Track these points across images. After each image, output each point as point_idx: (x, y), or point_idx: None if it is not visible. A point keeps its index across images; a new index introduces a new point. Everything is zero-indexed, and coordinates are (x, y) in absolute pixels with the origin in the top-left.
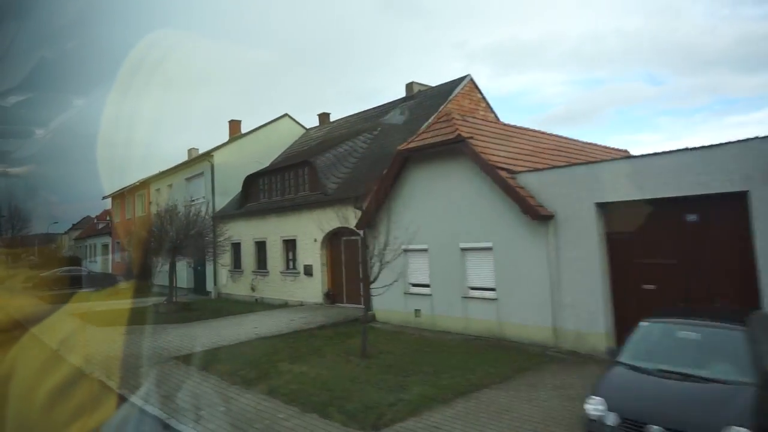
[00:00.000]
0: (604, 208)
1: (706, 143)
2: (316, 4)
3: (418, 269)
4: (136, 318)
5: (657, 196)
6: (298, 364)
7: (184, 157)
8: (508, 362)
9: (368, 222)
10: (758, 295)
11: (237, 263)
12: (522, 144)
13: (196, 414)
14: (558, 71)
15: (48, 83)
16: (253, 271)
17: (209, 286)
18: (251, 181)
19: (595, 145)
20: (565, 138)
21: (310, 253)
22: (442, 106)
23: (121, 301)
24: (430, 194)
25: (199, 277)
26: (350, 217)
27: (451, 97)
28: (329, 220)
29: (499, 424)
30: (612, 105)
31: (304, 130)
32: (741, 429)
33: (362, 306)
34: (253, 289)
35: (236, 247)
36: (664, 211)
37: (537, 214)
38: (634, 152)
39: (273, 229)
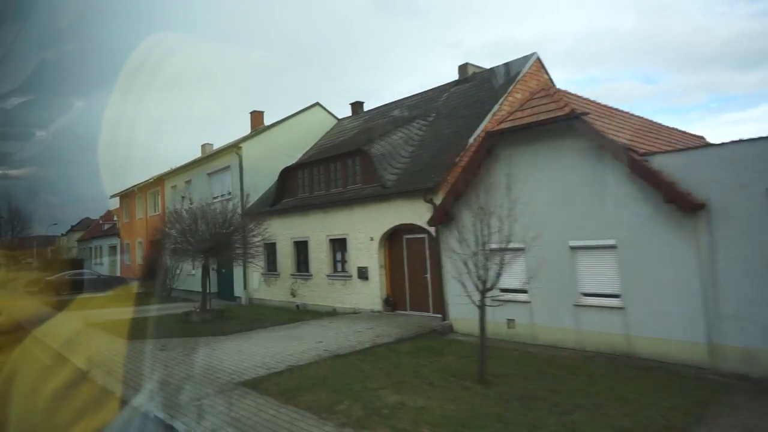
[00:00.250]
0: None
1: None
2: (313, 6)
3: (510, 272)
4: (168, 328)
5: None
6: (408, 395)
7: (189, 157)
8: (671, 390)
9: (444, 217)
10: None
11: (271, 265)
12: (622, 125)
13: None
14: (553, 70)
15: (48, 85)
16: (291, 275)
17: (237, 290)
18: (288, 175)
19: (674, 129)
20: (647, 119)
21: (365, 254)
22: (512, 86)
23: (142, 308)
24: (526, 184)
25: (224, 281)
26: (416, 212)
27: (519, 77)
28: (389, 215)
29: None
30: (607, 104)
31: (335, 120)
32: None
33: (430, 314)
34: (293, 295)
35: (270, 248)
36: None
37: (689, 204)
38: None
39: (317, 228)
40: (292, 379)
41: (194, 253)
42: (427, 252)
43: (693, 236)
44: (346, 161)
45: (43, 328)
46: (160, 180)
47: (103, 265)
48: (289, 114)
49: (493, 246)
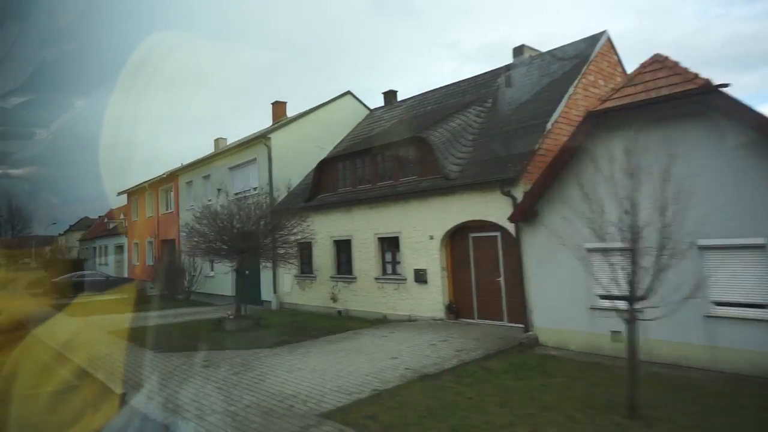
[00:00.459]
0: None
1: None
2: (311, 6)
3: (611, 275)
4: (202, 338)
5: None
6: None
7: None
8: None
9: (528, 212)
10: None
11: (305, 267)
12: None
13: None
14: None
15: (49, 85)
16: (331, 277)
17: (264, 294)
18: (326, 167)
19: None
20: None
21: (423, 255)
22: (585, 67)
23: (161, 314)
24: (639, 171)
25: (249, 283)
26: (489, 207)
27: (592, 57)
28: (453, 211)
29: None
30: None
31: (366, 111)
32: None
33: (503, 323)
34: (333, 300)
35: (305, 248)
36: None
37: None
38: None
39: (362, 225)
40: (388, 409)
41: (230, 253)
42: (500, 252)
43: None
44: (397, 151)
45: (53, 335)
46: (173, 176)
47: (108, 266)
48: (319, 103)
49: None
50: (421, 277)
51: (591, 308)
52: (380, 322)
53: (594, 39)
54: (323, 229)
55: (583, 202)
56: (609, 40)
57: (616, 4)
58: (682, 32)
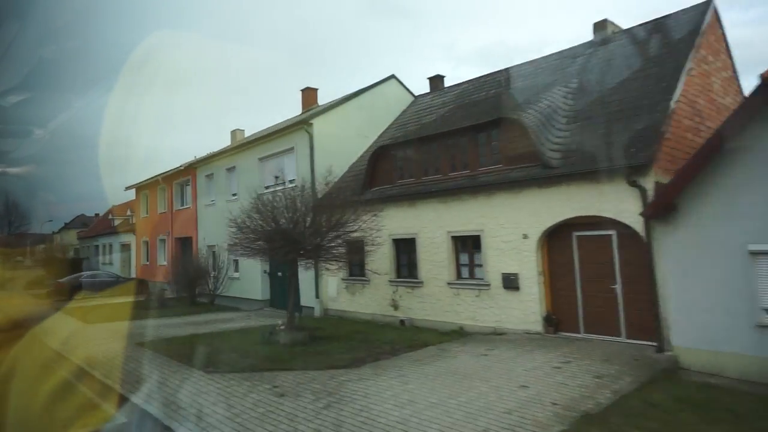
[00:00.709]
0: None
1: None
2: (308, 5)
3: None
4: (256, 354)
5: None
6: None
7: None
8: None
9: (666, 207)
10: None
11: (356, 269)
12: None
13: None
14: None
15: (47, 83)
16: (390, 281)
17: (305, 298)
18: (383, 156)
19: None
20: None
21: (514, 257)
22: (698, 39)
23: (190, 320)
24: None
25: (281, 286)
26: (604, 200)
27: (703, 28)
28: (555, 205)
29: None
30: None
31: (411, 97)
32: None
33: (621, 339)
34: (394, 307)
35: (356, 248)
36: None
37: None
38: None
39: (431, 222)
40: None
41: (287, 253)
42: (616, 254)
43: None
44: (476, 136)
45: (71, 347)
46: (190, 169)
47: (113, 265)
48: (363, 87)
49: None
50: (511, 282)
51: (758, 326)
52: (458, 334)
53: (699, 9)
54: (379, 227)
55: (747, 194)
56: (715, 11)
57: (610, 9)
58: None
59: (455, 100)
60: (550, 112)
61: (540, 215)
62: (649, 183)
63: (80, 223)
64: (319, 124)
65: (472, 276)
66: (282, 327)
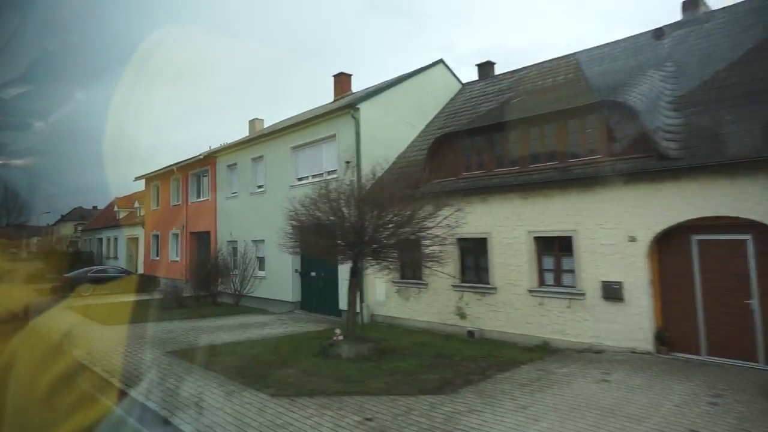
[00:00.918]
0: None
1: None
2: (309, 3)
3: None
4: (320, 370)
5: None
6: None
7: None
8: None
9: None
10: None
11: (408, 271)
12: None
13: None
14: None
15: (49, 76)
16: (454, 286)
17: (343, 303)
18: (446, 145)
19: None
20: None
21: (616, 263)
22: None
23: (219, 324)
24: None
25: (314, 288)
26: (741, 198)
27: None
28: (671, 203)
29: None
30: None
31: (459, 84)
32: None
33: (757, 364)
34: (461, 316)
35: (411, 247)
36: None
37: None
38: None
39: (507, 220)
40: None
41: (353, 251)
42: (752, 263)
43: None
44: (566, 123)
45: (100, 356)
46: (209, 158)
47: (117, 259)
48: (410, 71)
49: None
50: (613, 292)
51: None
52: (543, 350)
53: None
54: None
55: None
56: None
57: (609, 16)
58: None
59: (514, 87)
60: (654, 96)
61: (651, 215)
62: None
63: (78, 215)
64: (367, 109)
65: (558, 283)
66: (339, 336)
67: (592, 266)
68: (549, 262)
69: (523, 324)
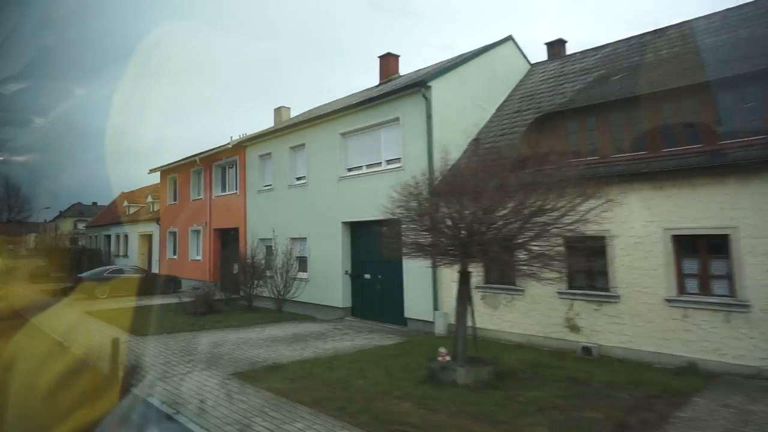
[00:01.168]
0: None
1: None
2: (308, 2)
3: None
4: (433, 403)
5: None
6: None
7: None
8: None
9: None
10: None
11: (493, 274)
12: None
13: None
14: None
15: (49, 72)
16: (560, 293)
17: (415, 309)
18: (545, 127)
19: None
20: None
21: None
22: None
23: (268, 332)
24: None
25: (369, 293)
26: None
27: None
28: None
29: None
30: None
31: (527, 65)
32: None
33: None
34: (571, 328)
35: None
36: None
37: None
38: None
39: (635, 214)
40: None
41: (471, 253)
42: None
43: None
44: (715, 97)
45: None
46: (238, 148)
47: (128, 258)
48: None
49: None
50: None
51: None
52: (694, 374)
53: None
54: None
55: None
56: None
57: (606, 16)
58: None
59: (603, 64)
60: None
61: None
62: None
63: (77, 211)
64: (440, 88)
65: (705, 291)
66: (446, 357)
67: (761, 271)
68: (690, 265)
69: (658, 340)
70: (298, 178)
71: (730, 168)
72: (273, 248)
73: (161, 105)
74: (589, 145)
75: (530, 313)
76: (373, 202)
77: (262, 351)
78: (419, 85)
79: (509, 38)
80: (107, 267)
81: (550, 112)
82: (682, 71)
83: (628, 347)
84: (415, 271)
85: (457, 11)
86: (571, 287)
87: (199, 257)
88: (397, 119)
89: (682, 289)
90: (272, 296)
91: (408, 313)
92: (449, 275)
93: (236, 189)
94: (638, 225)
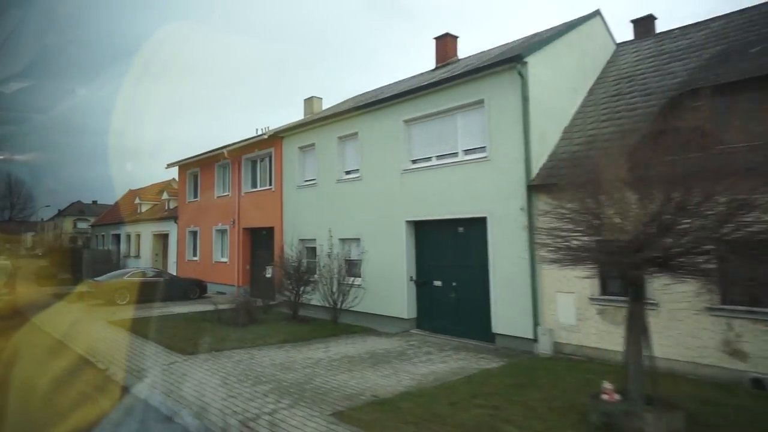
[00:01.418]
0: None
1: None
2: (307, 3)
3: None
4: None
5: None
6: None
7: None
8: None
9: None
10: None
11: (612, 283)
12: None
13: None
14: None
15: (50, 71)
16: (711, 308)
17: (504, 323)
18: (684, 110)
19: None
20: None
21: None
22: None
23: (338, 350)
24: None
25: (440, 302)
26: None
27: None
28: None
29: None
30: None
31: (613, 45)
32: None
33: None
34: (732, 354)
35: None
36: None
37: None
38: None
39: None
40: None
41: (648, 262)
42: None
43: None
44: None
45: None
46: (274, 139)
47: (140, 259)
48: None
49: None
50: None
51: None
52: None
53: None
54: None
55: None
56: None
57: (612, 12)
58: None
59: (716, 40)
60: None
61: None
62: None
63: (77, 209)
64: (537, 64)
65: None
66: (614, 395)
67: None
68: None
69: None
70: (348, 172)
71: None
72: (317, 250)
73: (164, 104)
74: (747, 126)
75: (668, 332)
76: (447, 198)
77: (346, 377)
78: (514, 60)
79: (597, 13)
80: (127, 269)
81: (695, 88)
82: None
83: None
84: (506, 279)
85: (453, 12)
86: (726, 302)
87: (224, 259)
88: (480, 102)
89: None
90: (326, 305)
91: (496, 327)
92: (553, 284)
93: (270, 184)
94: None
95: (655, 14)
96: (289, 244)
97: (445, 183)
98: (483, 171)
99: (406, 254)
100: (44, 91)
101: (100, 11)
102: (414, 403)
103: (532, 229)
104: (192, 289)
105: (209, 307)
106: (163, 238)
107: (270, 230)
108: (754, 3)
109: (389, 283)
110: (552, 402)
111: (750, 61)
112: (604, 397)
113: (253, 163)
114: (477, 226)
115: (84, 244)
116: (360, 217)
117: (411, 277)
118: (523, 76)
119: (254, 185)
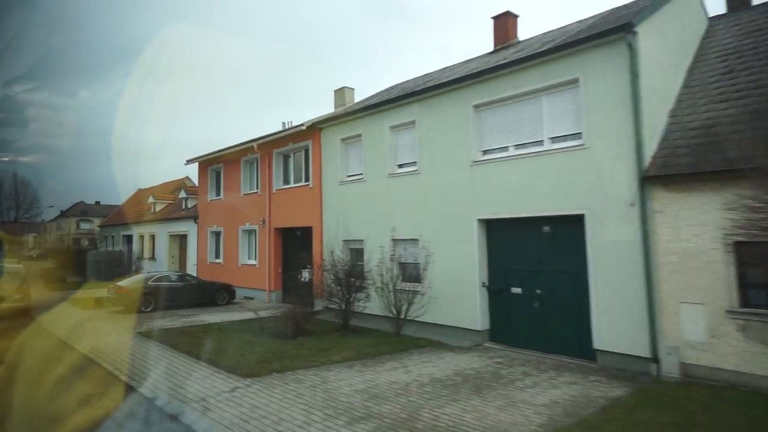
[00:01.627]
0: None
1: None
2: (309, 4)
3: None
4: None
5: None
6: None
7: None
8: None
9: None
10: None
11: (752, 293)
12: None
13: None
14: None
15: (54, 73)
16: None
17: (604, 340)
18: None
19: None
20: None
21: None
22: None
23: (418, 370)
24: None
25: (520, 312)
26: None
27: None
28: None
29: None
30: None
31: (705, 19)
32: None
33: None
34: None
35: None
36: None
37: None
38: None
39: None
40: None
41: None
42: None
43: None
44: None
45: None
46: (311, 131)
47: (156, 261)
48: None
49: None
50: None
51: None
52: None
53: None
54: None
55: None
56: None
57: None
58: None
59: None
60: None
61: None
62: None
63: (79, 210)
64: (649, 33)
65: None
66: None
67: None
68: None
69: None
70: (402, 165)
71: None
72: (365, 252)
73: (166, 105)
74: None
75: None
76: (529, 193)
77: (457, 410)
78: (623, 29)
79: None
80: (151, 273)
81: None
82: None
83: None
84: (611, 286)
85: (452, 13)
86: None
87: (253, 261)
88: (573, 81)
89: None
90: (387, 314)
91: (599, 343)
92: (675, 293)
93: (307, 180)
94: None
95: None
96: (329, 246)
97: (527, 176)
98: (578, 161)
99: (477, 257)
100: (47, 93)
101: (102, 14)
102: None
103: (646, 227)
104: (221, 294)
105: (245, 315)
106: (181, 238)
107: (306, 230)
108: None
109: (457, 289)
110: None
111: None
112: None
113: (286, 157)
114: (569, 224)
115: (90, 245)
116: (418, 215)
117: (483, 283)
118: (632, 48)
119: (287, 182)
